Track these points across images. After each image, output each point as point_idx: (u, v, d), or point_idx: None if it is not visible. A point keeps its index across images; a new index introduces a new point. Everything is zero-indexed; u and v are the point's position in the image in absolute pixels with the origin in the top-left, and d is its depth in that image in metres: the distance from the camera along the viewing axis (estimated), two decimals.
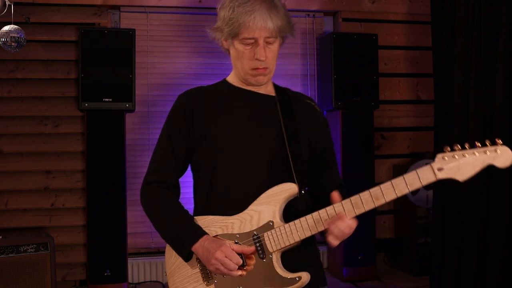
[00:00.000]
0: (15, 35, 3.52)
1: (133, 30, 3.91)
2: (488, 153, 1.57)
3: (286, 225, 1.70)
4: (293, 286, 1.69)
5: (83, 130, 4.02)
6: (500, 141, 1.57)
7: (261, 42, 1.74)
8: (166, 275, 1.89)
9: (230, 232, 1.75)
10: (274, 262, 1.71)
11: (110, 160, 3.84)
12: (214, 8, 4.80)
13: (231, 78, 1.91)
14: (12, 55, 3.81)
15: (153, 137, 4.25)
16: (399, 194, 1.63)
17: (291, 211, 1.74)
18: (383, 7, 4.57)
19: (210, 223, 1.78)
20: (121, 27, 4.20)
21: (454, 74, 3.48)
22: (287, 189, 1.73)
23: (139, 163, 4.21)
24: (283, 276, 1.70)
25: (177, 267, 1.83)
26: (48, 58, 4.07)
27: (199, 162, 1.84)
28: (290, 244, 1.70)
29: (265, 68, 1.79)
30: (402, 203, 4.43)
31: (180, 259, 1.79)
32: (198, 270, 1.79)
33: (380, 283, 4.14)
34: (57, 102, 4.08)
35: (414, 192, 4.35)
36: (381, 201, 1.64)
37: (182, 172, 1.91)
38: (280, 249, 1.71)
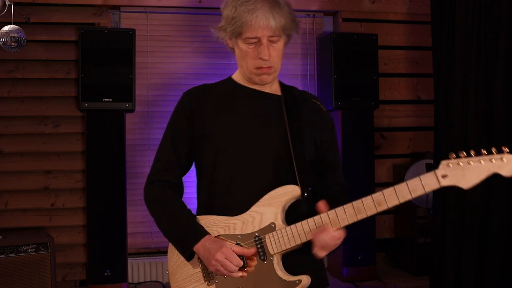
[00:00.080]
0: (15, 35, 3.52)
1: (133, 30, 3.91)
2: (493, 161, 1.54)
3: (288, 228, 1.69)
4: None
5: (83, 130, 4.02)
6: (506, 149, 1.55)
7: (264, 41, 1.73)
8: (168, 273, 1.89)
9: (232, 233, 1.74)
10: (275, 264, 1.71)
11: (110, 160, 3.84)
12: (214, 8, 4.81)
13: (237, 76, 1.90)
14: (12, 55, 3.81)
15: (153, 137, 4.25)
16: (402, 200, 1.62)
17: (294, 213, 1.73)
18: (383, 7, 4.57)
19: (213, 223, 1.78)
20: (121, 27, 4.20)
21: (454, 74, 3.48)
22: (290, 191, 1.72)
23: (139, 163, 4.22)
24: (284, 278, 1.69)
25: (179, 266, 1.83)
26: (48, 58, 4.07)
27: (202, 161, 1.84)
28: (291, 247, 1.70)
29: (269, 67, 1.78)
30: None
31: (182, 258, 1.80)
32: (200, 270, 1.79)
33: (380, 283, 4.14)
34: (57, 102, 4.08)
35: None
36: (383, 207, 1.63)
37: (185, 171, 1.91)
38: (281, 252, 1.71)
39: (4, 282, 3.35)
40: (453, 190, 3.44)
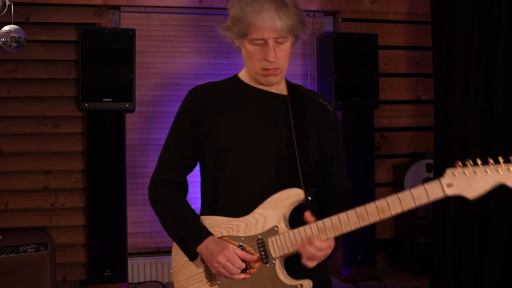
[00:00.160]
0: (15, 35, 3.52)
1: (133, 30, 3.91)
2: (500, 171, 1.52)
3: (291, 232, 1.69)
4: None
5: (83, 130, 4.01)
6: None
7: (270, 42, 1.70)
8: (171, 272, 1.88)
9: (235, 235, 1.74)
10: (277, 268, 1.70)
11: (110, 160, 3.84)
12: (214, 8, 4.80)
13: (243, 75, 1.88)
14: (12, 55, 3.81)
15: (153, 137, 4.25)
16: (406, 208, 1.60)
17: (297, 217, 1.72)
18: (383, 7, 4.57)
19: (216, 224, 1.77)
20: (121, 27, 4.20)
21: (454, 74, 3.48)
22: (294, 195, 1.71)
23: (139, 163, 4.22)
24: (285, 282, 1.69)
25: (182, 265, 1.83)
26: (48, 58, 4.07)
27: (206, 161, 1.83)
28: (294, 251, 1.69)
29: (276, 69, 1.75)
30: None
31: (186, 257, 1.79)
32: (203, 270, 1.79)
33: (380, 283, 4.13)
34: (57, 102, 4.08)
35: None
36: (387, 214, 1.61)
37: (190, 170, 1.90)
38: (283, 255, 1.70)
39: (4, 282, 3.35)
40: None
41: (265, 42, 1.71)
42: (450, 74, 3.53)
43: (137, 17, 4.26)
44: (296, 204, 1.72)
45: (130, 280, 4.12)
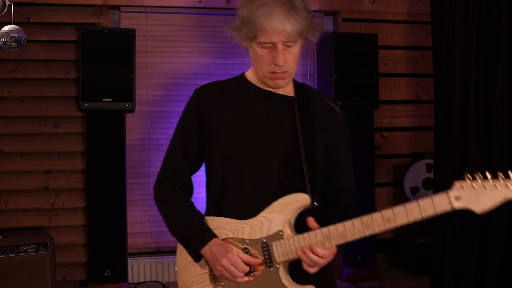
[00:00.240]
0: (15, 35, 3.52)
1: (133, 30, 3.91)
2: (510, 186, 1.50)
3: (295, 237, 1.68)
4: None
5: (83, 130, 4.01)
6: None
7: (279, 46, 1.67)
8: (175, 271, 1.88)
9: (240, 237, 1.73)
10: (280, 273, 1.70)
11: (110, 160, 3.84)
12: (214, 8, 4.80)
13: (250, 75, 1.86)
14: (12, 55, 3.81)
15: (153, 137, 4.25)
16: (412, 219, 1.59)
17: (302, 222, 1.71)
18: (383, 7, 4.56)
19: (221, 225, 1.77)
20: (121, 27, 4.19)
21: (454, 74, 3.48)
22: (300, 200, 1.70)
23: (139, 163, 4.22)
24: (288, 287, 1.69)
25: (186, 265, 1.83)
26: (48, 58, 4.07)
27: (211, 161, 1.82)
28: (298, 257, 1.68)
29: (284, 72, 1.73)
30: (402, 203, 4.42)
31: (190, 257, 1.79)
32: (207, 271, 1.78)
33: (380, 283, 4.13)
34: (57, 102, 4.08)
35: (414, 192, 4.35)
36: (393, 224, 1.61)
37: (195, 170, 1.89)
38: (287, 260, 1.70)
39: (4, 282, 3.35)
40: None
41: (273, 46, 1.68)
42: (450, 74, 3.53)
43: (137, 17, 4.26)
44: (301, 209, 1.71)
45: (130, 280, 4.12)
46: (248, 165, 1.76)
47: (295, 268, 1.72)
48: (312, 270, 1.67)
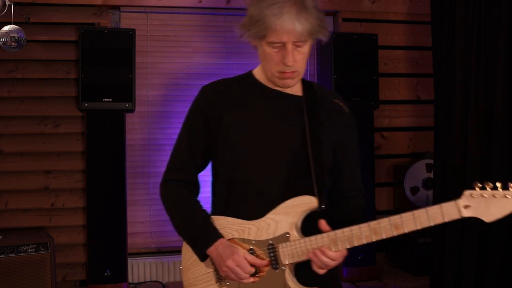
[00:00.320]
0: (15, 35, 3.52)
1: (133, 30, 3.91)
2: None
3: (302, 240, 1.68)
4: None
5: (83, 130, 4.01)
6: None
7: (289, 46, 1.66)
8: (181, 269, 1.87)
9: (246, 238, 1.73)
10: (286, 275, 1.69)
11: (110, 160, 3.84)
12: (214, 8, 4.79)
13: (258, 74, 1.84)
14: (12, 55, 3.81)
15: (153, 137, 4.25)
16: (420, 227, 1.59)
17: (309, 224, 1.71)
18: (383, 7, 4.56)
19: (227, 225, 1.76)
20: (121, 27, 4.20)
21: (454, 74, 3.48)
22: (307, 203, 1.70)
23: (139, 163, 4.22)
24: None
25: (192, 264, 1.82)
26: (48, 58, 4.07)
27: (217, 161, 1.82)
28: (304, 259, 1.68)
29: (293, 72, 1.71)
30: (402, 203, 4.43)
31: (196, 256, 1.79)
32: (212, 271, 1.78)
33: (380, 283, 4.13)
34: (57, 102, 4.08)
35: (414, 192, 4.35)
36: (400, 231, 1.60)
37: (201, 169, 1.88)
38: (293, 263, 1.70)
39: (4, 282, 3.35)
40: (453, 190, 3.45)
41: (283, 45, 1.66)
42: (450, 74, 3.53)
43: (137, 17, 4.26)
44: (308, 212, 1.71)
45: (130, 280, 4.12)
46: (255, 165, 1.75)
47: (300, 270, 1.71)
48: (322, 271, 1.67)
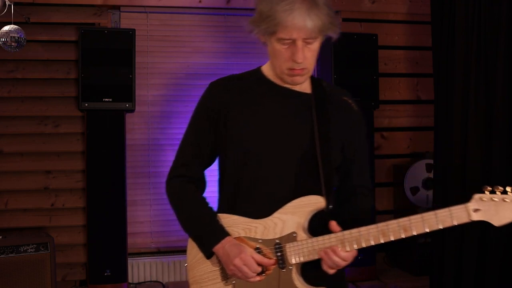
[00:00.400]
0: (15, 35, 3.52)
1: (133, 30, 3.91)
2: None
3: (309, 240, 1.67)
4: None
5: (83, 130, 4.01)
6: None
7: (299, 43, 1.64)
8: (186, 266, 1.86)
9: (253, 236, 1.72)
10: (293, 274, 1.69)
11: (110, 160, 3.84)
12: (214, 8, 4.79)
13: (267, 70, 1.82)
14: (12, 55, 3.81)
15: (153, 137, 4.25)
16: (428, 229, 1.59)
17: (315, 223, 1.71)
18: (383, 7, 4.56)
19: (234, 223, 1.75)
20: (121, 27, 4.19)
21: (454, 74, 3.48)
22: (315, 203, 1.69)
23: (139, 163, 4.22)
24: None
25: (198, 261, 1.81)
26: (48, 58, 4.07)
27: (224, 158, 1.80)
28: (311, 259, 1.68)
29: (303, 69, 1.70)
30: (402, 203, 4.43)
31: (202, 253, 1.78)
32: (218, 269, 1.77)
33: (380, 283, 4.13)
34: (57, 102, 4.08)
35: (414, 192, 4.35)
36: (409, 233, 1.60)
37: (208, 165, 1.87)
38: (300, 262, 1.69)
39: (4, 282, 3.35)
40: (453, 190, 3.45)
41: (293, 42, 1.65)
42: (450, 74, 3.53)
43: (137, 17, 4.26)
44: (315, 212, 1.71)
45: (130, 280, 4.12)
46: (263, 164, 1.74)
47: (307, 270, 1.71)
48: (332, 271, 1.67)
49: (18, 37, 3.53)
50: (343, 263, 1.65)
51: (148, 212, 4.22)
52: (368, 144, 4.42)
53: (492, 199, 1.54)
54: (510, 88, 3.19)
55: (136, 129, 4.25)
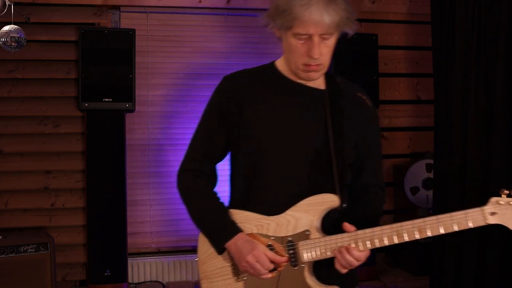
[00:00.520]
0: (15, 35, 3.52)
1: (133, 30, 3.91)
2: None
3: (322, 239, 1.67)
4: None
5: (83, 130, 4.01)
6: None
7: (315, 38, 1.62)
8: (197, 261, 1.85)
9: (265, 233, 1.72)
10: (305, 272, 1.69)
11: (110, 160, 3.84)
12: (214, 8, 4.79)
13: (281, 65, 1.80)
14: (12, 55, 3.81)
15: (153, 137, 4.25)
16: (444, 231, 1.58)
17: (328, 222, 1.70)
18: (383, 7, 4.56)
19: (246, 219, 1.74)
20: (121, 27, 4.19)
21: (454, 74, 3.48)
22: (328, 201, 1.68)
23: (139, 163, 4.22)
24: (312, 287, 1.68)
25: (209, 257, 1.81)
26: (48, 58, 4.07)
27: (238, 154, 1.79)
28: (323, 257, 1.67)
29: (318, 65, 1.68)
30: (402, 203, 4.43)
31: (213, 249, 1.78)
32: (229, 264, 1.77)
33: (380, 283, 4.13)
34: (57, 102, 4.08)
35: (414, 192, 4.35)
36: (423, 235, 1.59)
37: (220, 159, 1.86)
38: (312, 260, 1.69)
39: (4, 282, 3.35)
40: (453, 190, 3.45)
41: (309, 37, 1.63)
42: (450, 74, 3.53)
43: (137, 17, 4.26)
44: (329, 210, 1.70)
45: (130, 280, 4.12)
46: (276, 160, 1.72)
47: (318, 268, 1.70)
48: (344, 270, 1.66)
49: (18, 37, 3.53)
50: (356, 263, 1.64)
51: (148, 212, 4.21)
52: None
53: (509, 203, 1.53)
54: (510, 88, 3.19)
55: (136, 129, 4.24)
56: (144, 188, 4.22)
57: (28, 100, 4.05)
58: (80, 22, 4.08)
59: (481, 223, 1.56)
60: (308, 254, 1.68)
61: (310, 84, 1.77)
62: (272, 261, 1.68)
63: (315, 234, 1.68)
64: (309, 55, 1.65)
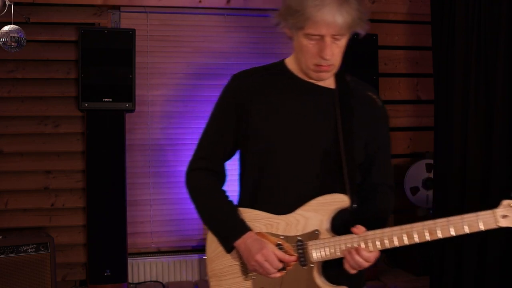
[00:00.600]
0: (15, 35, 3.52)
1: (133, 30, 3.91)
2: None
3: (332, 239, 1.66)
4: None
5: (83, 130, 4.01)
6: None
7: (327, 39, 1.62)
8: (206, 259, 1.85)
9: (274, 232, 1.71)
10: (314, 272, 1.68)
11: (110, 160, 3.84)
12: (214, 8, 4.79)
13: (291, 64, 1.79)
14: (12, 55, 3.80)
15: (153, 137, 4.25)
16: (455, 233, 1.56)
17: (337, 222, 1.70)
18: (383, 7, 4.56)
19: (255, 218, 1.74)
20: (121, 27, 4.19)
21: (454, 74, 3.48)
22: (339, 202, 1.68)
23: (139, 163, 4.22)
24: (321, 287, 1.68)
25: (217, 255, 1.80)
26: (48, 58, 4.07)
27: (247, 154, 1.79)
28: (332, 257, 1.66)
29: (329, 66, 1.68)
30: (402, 203, 4.43)
31: (222, 247, 1.77)
32: (238, 263, 1.76)
33: (380, 283, 4.13)
34: (57, 102, 4.08)
35: (414, 192, 4.35)
36: (434, 236, 1.58)
37: (229, 157, 1.85)
38: (321, 260, 1.68)
39: (4, 282, 3.35)
40: (453, 189, 3.45)
41: (321, 38, 1.63)
42: (450, 74, 3.53)
43: (137, 17, 4.26)
44: (339, 210, 1.69)
45: (130, 280, 4.12)
46: (285, 159, 1.72)
47: (327, 268, 1.70)
48: (353, 271, 1.65)
49: (18, 37, 3.53)
50: (365, 264, 1.63)
51: (148, 212, 4.21)
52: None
53: None
54: (510, 88, 3.19)
55: (136, 129, 4.25)
56: (144, 188, 4.22)
57: (28, 100, 4.05)
58: (80, 22, 4.08)
59: (493, 225, 1.54)
60: (317, 254, 1.67)
61: (320, 83, 1.76)
62: (281, 260, 1.68)
63: (325, 234, 1.68)
64: (320, 56, 1.65)
